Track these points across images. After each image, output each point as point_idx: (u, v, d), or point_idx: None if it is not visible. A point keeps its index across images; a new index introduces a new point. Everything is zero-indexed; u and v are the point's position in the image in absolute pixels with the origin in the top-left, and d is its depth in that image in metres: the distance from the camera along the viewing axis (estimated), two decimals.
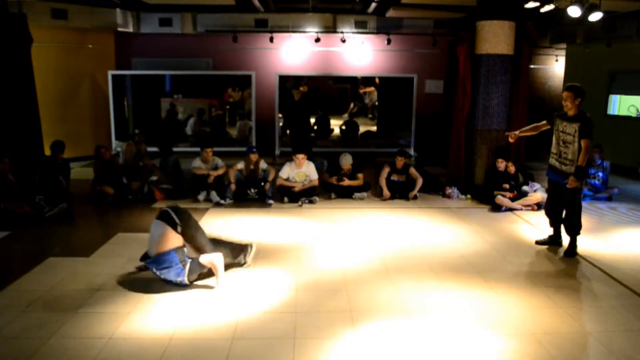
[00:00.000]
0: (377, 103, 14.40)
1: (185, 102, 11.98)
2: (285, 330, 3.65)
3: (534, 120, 5.75)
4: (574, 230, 5.30)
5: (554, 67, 12.61)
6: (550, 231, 5.68)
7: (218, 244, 4.71)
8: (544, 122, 5.47)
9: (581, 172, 5.03)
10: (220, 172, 7.59)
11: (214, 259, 4.41)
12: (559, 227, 5.53)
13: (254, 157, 7.58)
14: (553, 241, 5.63)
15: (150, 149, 9.14)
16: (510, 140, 5.76)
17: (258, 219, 6.67)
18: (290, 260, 5.10)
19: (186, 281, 4.33)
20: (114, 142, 10.84)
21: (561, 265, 5.11)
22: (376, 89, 14.51)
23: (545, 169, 5.59)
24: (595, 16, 7.05)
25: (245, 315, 3.86)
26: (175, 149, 10.05)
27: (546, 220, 5.70)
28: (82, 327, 3.64)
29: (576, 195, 5.20)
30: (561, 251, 5.47)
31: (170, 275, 4.30)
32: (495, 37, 7.65)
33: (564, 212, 5.36)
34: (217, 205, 7.30)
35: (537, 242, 5.68)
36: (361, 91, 14.91)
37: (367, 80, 14.12)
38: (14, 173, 6.74)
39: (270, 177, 7.55)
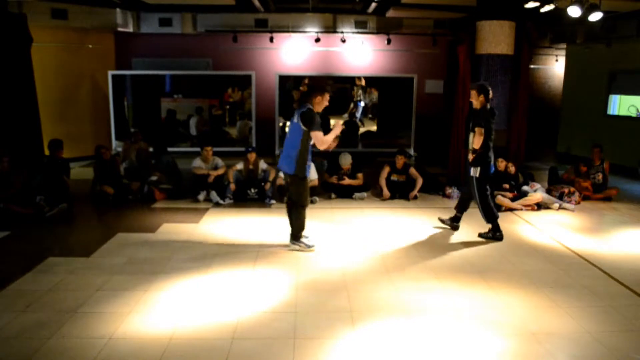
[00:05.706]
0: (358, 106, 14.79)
1: (185, 102, 11.96)
2: (285, 330, 3.64)
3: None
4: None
5: (554, 67, 12.59)
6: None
7: None
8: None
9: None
10: (220, 171, 7.60)
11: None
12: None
13: (251, 157, 7.59)
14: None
15: (150, 149, 9.09)
16: None
17: (258, 219, 6.67)
18: (290, 260, 5.10)
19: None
20: (114, 142, 10.83)
21: (561, 265, 5.11)
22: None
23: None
24: (595, 16, 7.05)
25: (245, 315, 3.86)
26: (175, 149, 10.05)
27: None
28: (82, 327, 3.63)
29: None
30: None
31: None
32: (495, 37, 7.66)
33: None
34: (217, 205, 7.30)
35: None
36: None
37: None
38: (15, 173, 6.73)
39: (271, 177, 7.54)
